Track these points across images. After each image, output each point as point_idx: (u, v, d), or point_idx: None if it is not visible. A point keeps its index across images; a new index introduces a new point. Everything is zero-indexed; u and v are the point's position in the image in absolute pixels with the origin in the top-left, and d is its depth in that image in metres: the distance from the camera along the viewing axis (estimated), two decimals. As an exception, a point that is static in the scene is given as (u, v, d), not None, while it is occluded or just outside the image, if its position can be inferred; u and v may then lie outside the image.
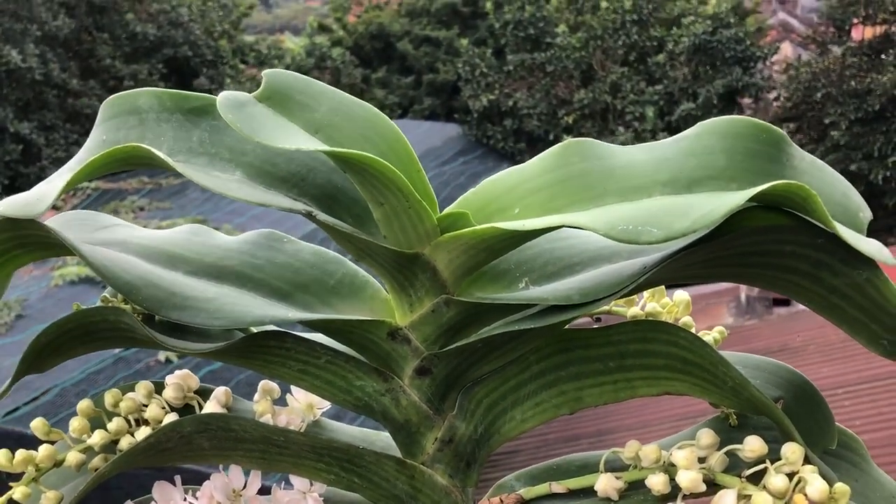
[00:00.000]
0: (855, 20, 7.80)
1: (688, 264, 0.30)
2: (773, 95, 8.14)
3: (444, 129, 8.14)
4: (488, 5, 8.63)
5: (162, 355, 3.77)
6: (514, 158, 7.98)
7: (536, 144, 8.22)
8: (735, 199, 0.27)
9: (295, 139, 0.29)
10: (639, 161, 0.31)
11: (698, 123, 0.31)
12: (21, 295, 4.37)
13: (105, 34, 8.50)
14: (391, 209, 0.30)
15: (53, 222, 0.34)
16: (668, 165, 0.30)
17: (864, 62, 7.30)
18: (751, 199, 0.27)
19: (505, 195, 0.32)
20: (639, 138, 7.53)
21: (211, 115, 0.32)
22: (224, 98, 0.28)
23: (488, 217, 0.32)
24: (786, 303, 5.58)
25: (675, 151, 0.30)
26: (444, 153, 7.50)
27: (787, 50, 9.46)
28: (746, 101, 8.06)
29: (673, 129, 7.71)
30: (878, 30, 7.65)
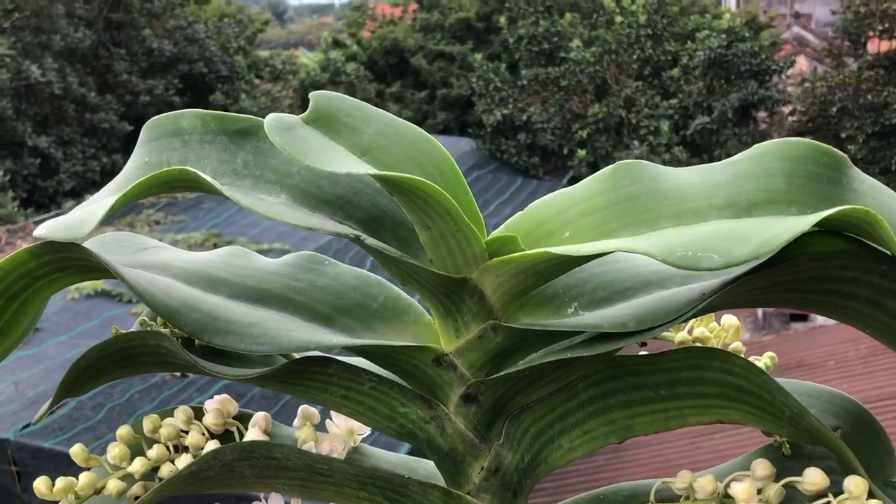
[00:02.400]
0: (871, 33, 7.77)
1: (747, 290, 0.29)
2: (788, 109, 8.11)
3: (457, 144, 8.16)
4: (502, 20, 8.67)
5: (177, 369, 3.77)
6: (528, 173, 7.99)
7: (550, 159, 8.22)
8: (798, 224, 0.26)
9: (344, 162, 0.28)
10: (693, 184, 0.30)
11: (754, 146, 0.30)
12: (38, 308, 4.38)
13: (122, 50, 8.59)
14: (438, 233, 0.29)
15: (92, 244, 0.33)
16: (724, 189, 0.29)
17: (881, 76, 7.27)
18: (813, 225, 0.26)
19: (554, 218, 0.31)
20: (654, 152, 7.52)
21: (255, 136, 0.32)
22: (272, 120, 0.28)
23: (537, 241, 0.31)
24: (803, 318, 5.54)
25: (730, 174, 0.30)
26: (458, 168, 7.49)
27: (802, 64, 9.44)
28: (762, 114, 8.04)
29: (688, 144, 7.70)
30: (895, 43, 7.61)
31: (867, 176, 0.29)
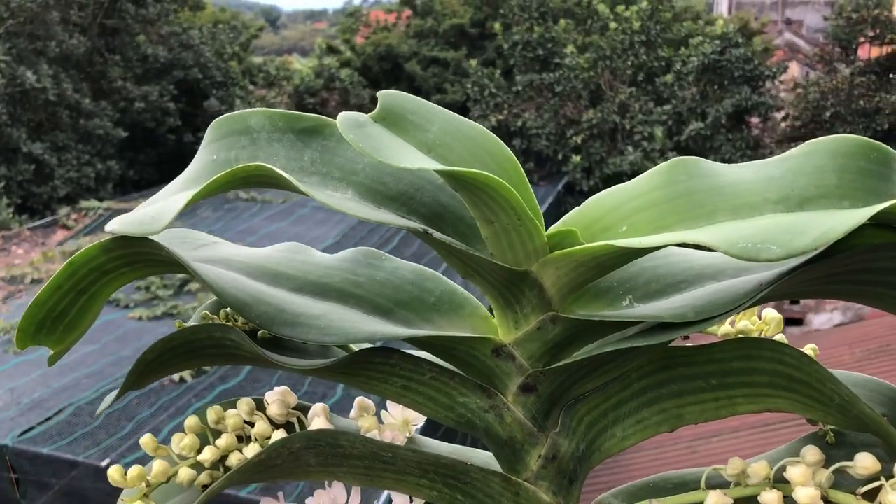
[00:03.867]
0: (862, 39, 7.83)
1: (802, 281, 0.30)
2: (781, 114, 8.16)
3: (453, 149, 8.15)
4: (496, 26, 8.70)
5: (175, 375, 3.77)
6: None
7: (545, 164, 8.25)
8: (854, 217, 0.27)
9: (414, 158, 0.29)
10: (746, 179, 0.31)
11: (806, 142, 0.31)
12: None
13: (117, 56, 8.58)
14: (501, 227, 0.30)
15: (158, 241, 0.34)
16: (778, 184, 0.30)
17: (872, 81, 7.33)
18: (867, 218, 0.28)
19: (611, 213, 0.32)
20: (648, 158, 7.56)
21: (321, 134, 0.33)
22: (344, 118, 0.29)
23: (595, 235, 0.32)
24: (798, 322, 5.57)
25: (783, 170, 0.31)
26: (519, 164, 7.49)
27: (794, 69, 9.49)
28: (755, 120, 8.08)
29: (682, 149, 7.73)
30: (886, 49, 7.68)
31: (915, 171, 0.31)
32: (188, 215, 6.45)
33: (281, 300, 0.33)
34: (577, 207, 0.33)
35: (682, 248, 0.34)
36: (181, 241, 0.36)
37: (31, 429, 3.35)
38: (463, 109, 9.17)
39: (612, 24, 8.10)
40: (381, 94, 0.31)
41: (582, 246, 0.30)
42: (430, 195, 0.33)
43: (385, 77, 10.41)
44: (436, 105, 0.32)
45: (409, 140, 0.31)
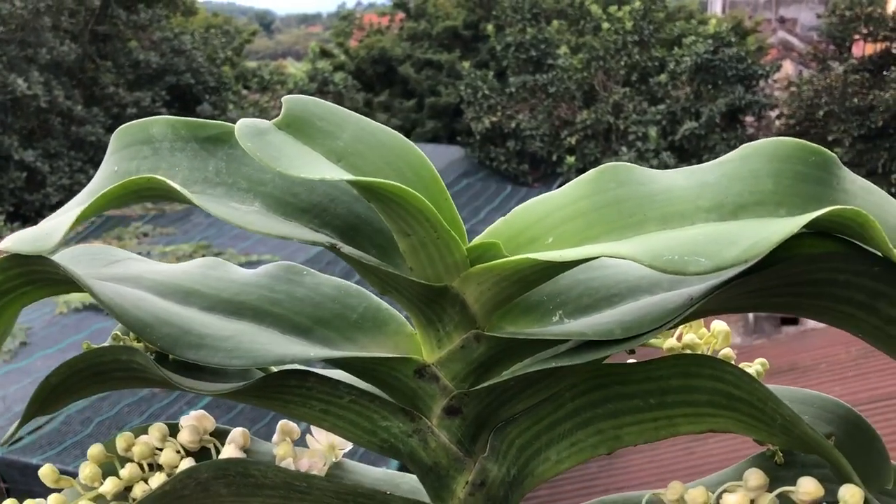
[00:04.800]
0: (856, 37, 7.82)
1: (735, 295, 0.28)
2: (775, 113, 8.16)
3: (447, 152, 8.15)
4: (489, 28, 8.69)
5: (167, 382, 3.74)
6: (518, 180, 7.99)
7: (539, 166, 8.23)
8: (788, 225, 0.25)
9: (318, 168, 0.27)
10: (679, 186, 0.29)
11: (742, 146, 0.29)
12: (25, 322, 4.35)
13: (108, 62, 8.56)
14: (418, 240, 0.29)
15: (62, 257, 0.32)
16: (711, 190, 0.28)
17: (866, 79, 7.32)
18: (803, 226, 0.26)
19: (537, 224, 0.30)
20: (642, 158, 7.54)
21: (227, 143, 0.31)
22: (242, 125, 0.27)
23: (520, 247, 0.30)
24: (794, 322, 5.55)
25: (717, 176, 0.29)
26: (447, 176, 7.50)
27: (788, 68, 9.50)
28: (749, 119, 8.08)
29: (676, 149, 7.72)
30: (879, 46, 7.67)
31: (857, 176, 0.29)
32: (181, 221, 6.42)
33: (189, 320, 0.31)
34: (502, 217, 0.31)
35: (616, 260, 0.32)
36: (91, 257, 0.34)
37: (20, 438, 3.32)
38: (457, 111, 9.16)
39: (605, 25, 8.09)
40: (285, 98, 0.29)
41: (503, 259, 0.28)
42: (346, 206, 0.31)
43: (379, 80, 10.39)
44: (348, 111, 0.30)
45: (317, 148, 0.29)
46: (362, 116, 0.30)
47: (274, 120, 0.28)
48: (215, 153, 0.31)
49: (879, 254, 0.26)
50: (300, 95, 0.29)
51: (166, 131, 0.31)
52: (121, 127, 0.31)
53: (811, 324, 5.54)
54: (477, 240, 0.30)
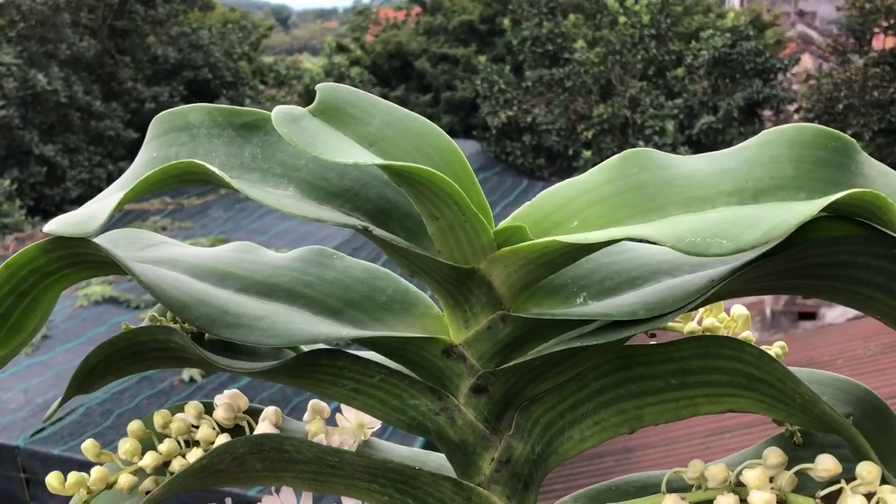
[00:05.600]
0: (876, 30, 7.74)
1: (756, 277, 0.29)
2: (794, 107, 8.09)
3: (463, 146, 8.05)
4: (506, 22, 8.67)
5: (186, 374, 3.78)
6: (534, 174, 7.98)
7: (556, 160, 8.22)
8: (807, 208, 0.26)
9: (351, 153, 0.28)
10: (701, 171, 0.30)
11: (763, 132, 0.30)
12: (46, 315, 4.40)
13: (127, 57, 8.62)
14: (447, 223, 0.29)
15: (101, 241, 0.33)
16: (733, 175, 0.29)
17: (887, 72, 7.24)
18: (822, 210, 0.26)
19: (562, 208, 0.31)
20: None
21: (262, 130, 0.32)
22: (279, 112, 0.28)
23: (545, 231, 0.31)
24: (811, 316, 5.52)
25: (738, 161, 0.29)
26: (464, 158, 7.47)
27: (807, 61, 9.41)
28: (767, 113, 8.02)
29: (693, 143, 7.68)
30: (900, 40, 7.58)
31: (877, 161, 0.29)
32: (199, 215, 6.47)
33: (225, 301, 0.32)
34: (528, 202, 0.32)
35: (637, 243, 0.33)
36: (127, 241, 0.35)
37: (42, 429, 3.37)
38: (473, 106, 9.15)
39: (622, 18, 8.05)
40: (319, 86, 0.30)
41: (529, 242, 0.29)
42: (376, 191, 0.32)
43: (395, 75, 10.40)
44: (378, 97, 0.31)
45: (349, 134, 0.30)
46: (391, 103, 0.31)
47: (308, 107, 0.29)
48: (251, 139, 0.32)
49: (898, 236, 0.27)
50: (333, 83, 0.30)
51: (203, 118, 0.32)
52: (159, 114, 0.33)
53: (828, 319, 5.50)
54: (504, 223, 0.31)
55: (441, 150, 0.31)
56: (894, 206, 0.26)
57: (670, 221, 0.28)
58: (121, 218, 6.57)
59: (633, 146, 7.71)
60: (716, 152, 0.31)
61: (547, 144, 8.04)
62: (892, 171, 0.29)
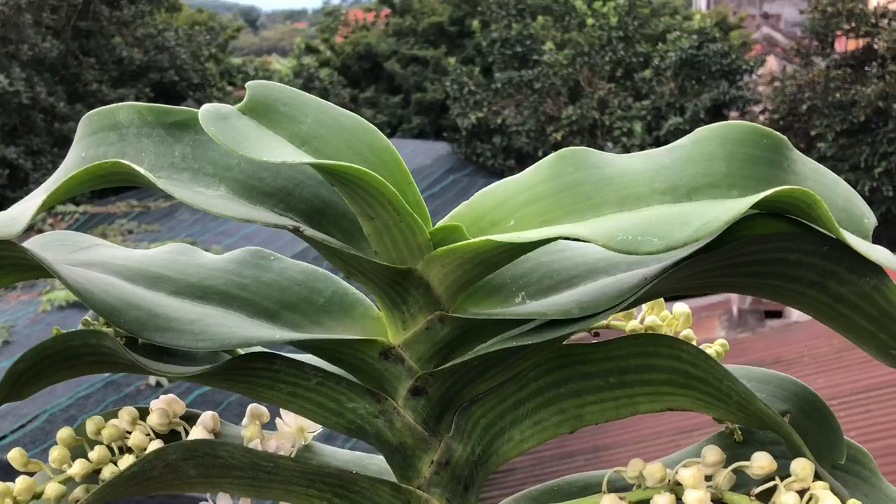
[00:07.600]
0: (838, 33, 7.88)
1: (689, 275, 0.29)
2: (759, 108, 8.20)
3: (433, 148, 8.15)
4: (475, 24, 8.69)
5: (152, 379, 3.73)
6: (504, 175, 7.99)
7: (525, 161, 8.25)
8: (738, 206, 0.26)
9: (280, 152, 0.27)
10: (635, 169, 0.30)
11: (696, 129, 0.30)
12: (8, 321, 4.32)
13: (92, 58, 8.50)
14: (382, 223, 0.29)
15: (32, 243, 0.33)
16: (666, 173, 0.29)
17: (848, 74, 7.37)
18: (754, 207, 0.26)
19: (498, 207, 0.31)
20: (627, 153, 7.57)
21: (193, 129, 0.31)
22: (206, 110, 0.27)
23: (482, 230, 0.31)
24: (778, 315, 5.59)
25: (672, 159, 0.29)
26: (433, 171, 7.50)
27: (772, 63, 9.55)
28: (734, 114, 8.12)
29: (661, 144, 7.68)
30: (861, 42, 7.73)
31: (808, 158, 0.29)
32: (166, 218, 6.39)
33: (157, 304, 0.31)
34: (465, 202, 0.32)
35: (577, 242, 0.33)
36: (59, 243, 0.34)
37: (3, 437, 3.30)
38: (443, 107, 9.15)
39: (590, 21, 8.11)
40: (249, 84, 0.29)
41: (465, 242, 0.29)
42: (311, 191, 0.32)
43: (365, 76, 10.37)
44: (311, 95, 0.30)
45: (281, 132, 0.29)
46: (325, 101, 0.30)
47: (237, 105, 0.29)
48: (182, 139, 0.31)
49: (829, 234, 0.27)
50: (264, 81, 0.29)
51: (133, 117, 0.31)
52: (88, 113, 0.32)
53: (795, 317, 5.58)
54: (440, 223, 0.31)
55: (376, 149, 0.31)
56: (823, 204, 0.26)
57: (604, 220, 0.28)
58: (86, 221, 6.47)
59: (602, 147, 7.77)
60: (652, 150, 0.31)
61: (517, 146, 8.08)
62: (825, 168, 0.30)
